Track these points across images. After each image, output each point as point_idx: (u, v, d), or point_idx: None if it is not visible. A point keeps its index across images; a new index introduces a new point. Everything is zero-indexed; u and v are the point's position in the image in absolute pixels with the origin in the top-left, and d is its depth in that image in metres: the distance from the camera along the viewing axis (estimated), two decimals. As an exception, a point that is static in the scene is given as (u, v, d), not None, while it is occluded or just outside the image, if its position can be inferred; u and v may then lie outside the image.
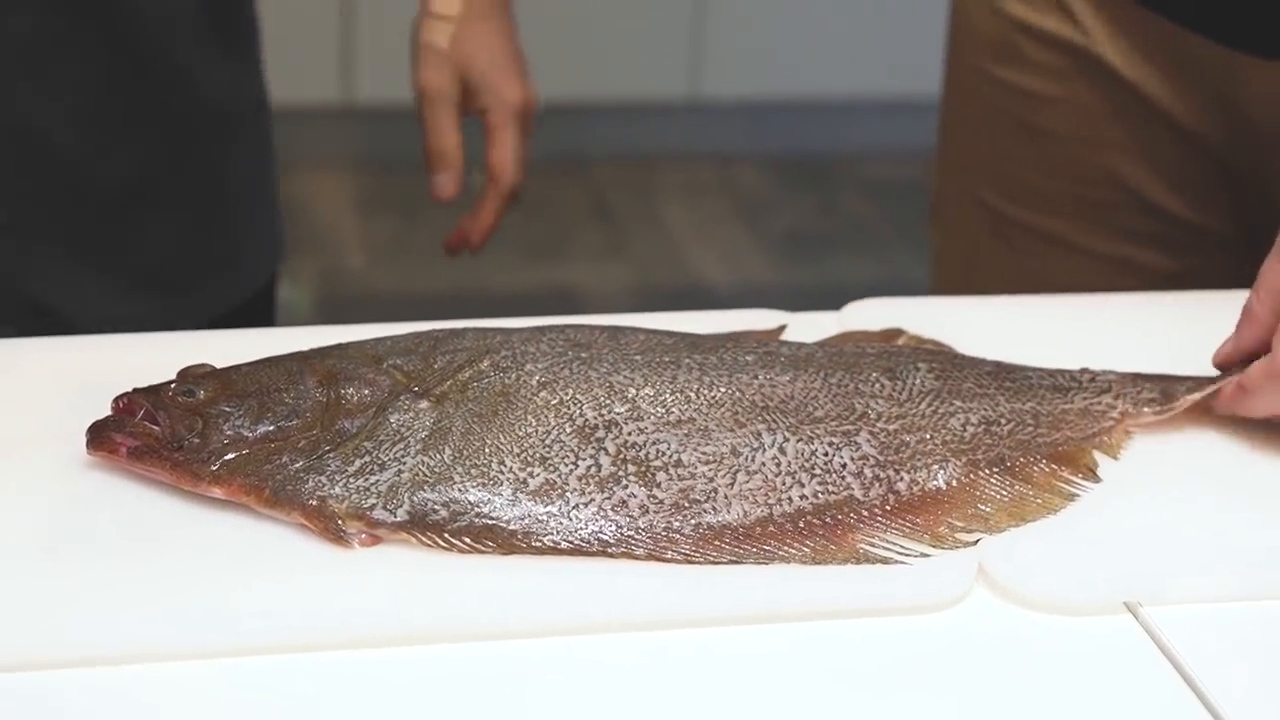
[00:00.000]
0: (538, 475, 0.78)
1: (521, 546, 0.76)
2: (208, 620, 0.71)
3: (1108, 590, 0.76)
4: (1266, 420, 0.87)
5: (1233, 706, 0.70)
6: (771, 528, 0.77)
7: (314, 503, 0.76)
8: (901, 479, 0.80)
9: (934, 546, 0.78)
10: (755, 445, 0.80)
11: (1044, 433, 0.84)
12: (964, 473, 0.81)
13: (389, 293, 2.92)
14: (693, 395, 0.82)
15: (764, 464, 0.80)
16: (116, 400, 0.80)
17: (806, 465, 0.80)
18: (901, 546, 0.77)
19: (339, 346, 0.85)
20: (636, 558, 0.76)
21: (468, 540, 0.75)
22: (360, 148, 3.25)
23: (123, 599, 0.72)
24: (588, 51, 3.19)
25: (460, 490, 0.77)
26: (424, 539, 0.75)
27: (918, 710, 0.70)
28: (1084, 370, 0.89)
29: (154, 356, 0.86)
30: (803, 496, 0.79)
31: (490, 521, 0.76)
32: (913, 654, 0.73)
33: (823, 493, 0.79)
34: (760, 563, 0.76)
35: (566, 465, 0.78)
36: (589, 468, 0.78)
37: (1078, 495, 0.82)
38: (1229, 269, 1.12)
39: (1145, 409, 0.87)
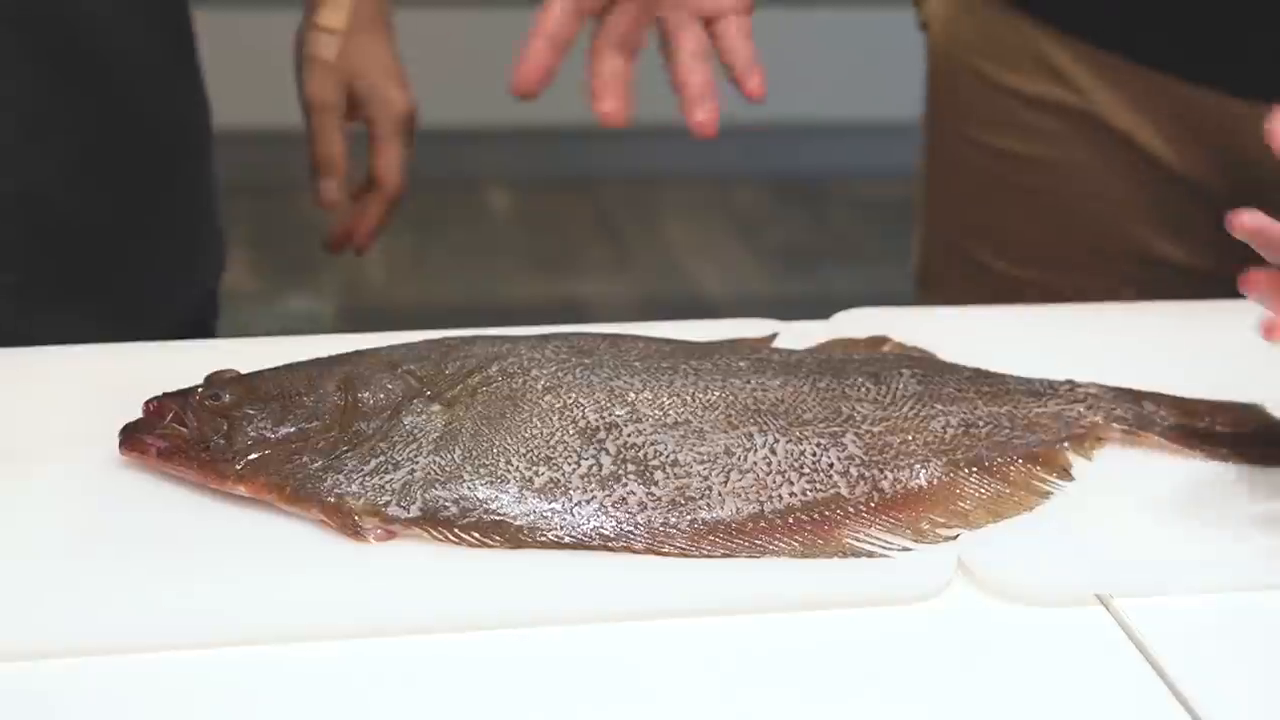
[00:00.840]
0: (543, 474, 0.79)
1: (527, 541, 0.77)
2: (232, 609, 0.72)
3: (1080, 583, 0.77)
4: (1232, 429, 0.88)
5: (1198, 691, 0.71)
6: (763, 523, 0.78)
7: (332, 500, 0.77)
8: (885, 478, 0.81)
9: (916, 541, 0.79)
10: (747, 446, 0.81)
11: (1019, 435, 0.85)
12: (944, 472, 0.82)
13: (407, 304, 2.92)
14: (689, 399, 0.83)
15: (756, 464, 0.81)
16: (147, 404, 0.81)
17: (796, 465, 0.81)
18: (885, 541, 0.78)
19: (357, 353, 0.86)
20: (635, 552, 0.77)
21: (477, 535, 0.77)
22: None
23: (155, 589, 0.73)
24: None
25: (470, 488, 0.78)
26: (435, 534, 0.76)
27: (900, 694, 0.71)
28: (1067, 381, 0.89)
29: (181, 363, 0.86)
30: (792, 494, 0.80)
31: (498, 517, 0.77)
32: (896, 642, 0.74)
33: (811, 491, 0.80)
34: (752, 557, 0.77)
35: (569, 465, 0.79)
36: (591, 467, 0.79)
37: (1052, 493, 0.83)
38: None
39: (1115, 425, 0.88)
